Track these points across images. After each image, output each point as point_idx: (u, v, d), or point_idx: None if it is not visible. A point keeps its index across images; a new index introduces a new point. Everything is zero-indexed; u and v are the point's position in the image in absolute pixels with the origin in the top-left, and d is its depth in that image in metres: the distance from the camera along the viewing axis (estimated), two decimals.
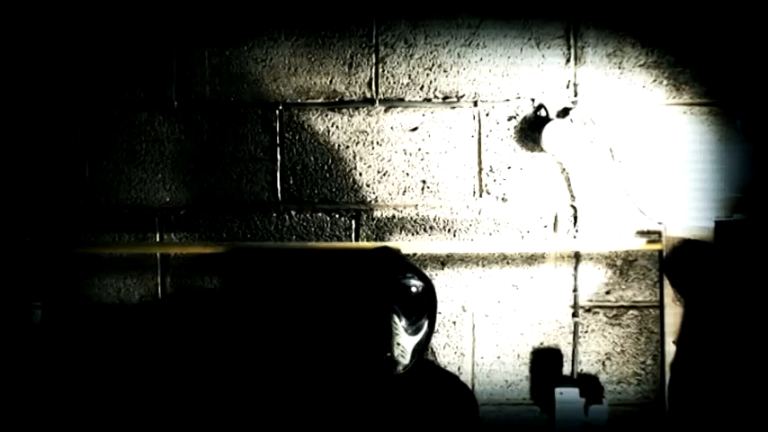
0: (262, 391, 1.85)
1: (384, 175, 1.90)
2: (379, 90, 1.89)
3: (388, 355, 1.49)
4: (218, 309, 1.88)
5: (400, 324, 1.51)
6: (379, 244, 1.83)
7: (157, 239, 1.90)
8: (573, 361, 1.87)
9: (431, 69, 1.89)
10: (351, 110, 1.90)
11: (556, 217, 1.88)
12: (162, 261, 1.89)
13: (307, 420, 1.56)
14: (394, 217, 1.89)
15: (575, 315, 1.87)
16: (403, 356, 1.51)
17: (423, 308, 1.56)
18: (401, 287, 1.54)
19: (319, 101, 1.90)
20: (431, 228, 1.89)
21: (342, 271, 1.83)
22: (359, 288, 1.58)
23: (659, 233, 1.85)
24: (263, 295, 1.88)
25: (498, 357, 1.89)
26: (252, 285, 1.88)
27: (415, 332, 1.54)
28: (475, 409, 1.67)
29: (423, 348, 1.58)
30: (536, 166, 1.88)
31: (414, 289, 1.55)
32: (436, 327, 1.76)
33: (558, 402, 1.83)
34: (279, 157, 1.90)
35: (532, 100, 1.88)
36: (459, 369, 1.89)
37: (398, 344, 1.50)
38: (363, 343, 1.54)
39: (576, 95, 1.88)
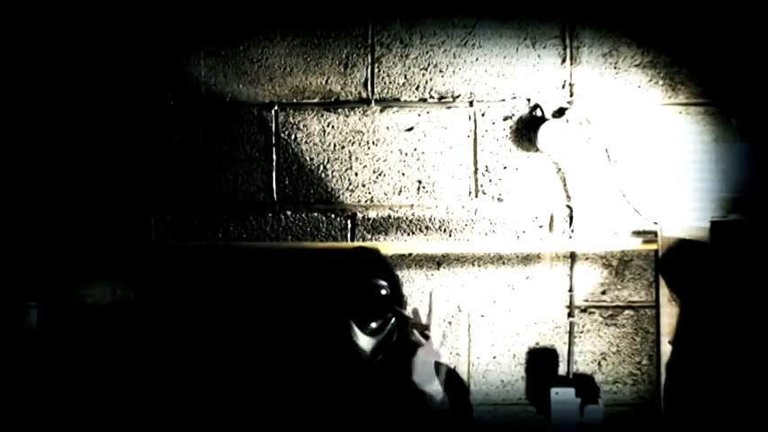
0: (250, 389, 1.85)
1: (380, 175, 1.89)
2: (375, 90, 1.89)
3: (349, 353, 1.52)
4: (214, 308, 1.88)
5: (358, 330, 1.51)
6: (375, 244, 1.83)
7: (153, 239, 1.90)
8: (569, 361, 1.87)
9: (426, 69, 1.89)
10: (346, 110, 1.89)
11: (551, 217, 1.88)
12: (158, 261, 1.89)
13: (281, 411, 1.57)
14: (389, 217, 1.89)
15: (570, 315, 1.87)
16: (363, 354, 1.52)
17: (385, 308, 1.55)
18: (361, 292, 1.54)
19: (315, 101, 1.89)
20: (426, 228, 1.89)
21: (315, 272, 1.84)
22: (321, 293, 1.63)
23: (655, 233, 1.84)
24: (261, 295, 1.88)
25: (494, 357, 1.89)
26: (249, 285, 1.88)
27: (376, 333, 1.53)
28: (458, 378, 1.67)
29: (388, 343, 1.57)
30: (532, 167, 1.88)
31: (382, 291, 1.55)
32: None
33: (553, 403, 1.83)
34: (274, 157, 1.90)
35: (528, 100, 1.88)
36: (454, 369, 1.88)
37: (357, 344, 1.52)
38: (327, 342, 1.58)
39: (571, 95, 1.88)
